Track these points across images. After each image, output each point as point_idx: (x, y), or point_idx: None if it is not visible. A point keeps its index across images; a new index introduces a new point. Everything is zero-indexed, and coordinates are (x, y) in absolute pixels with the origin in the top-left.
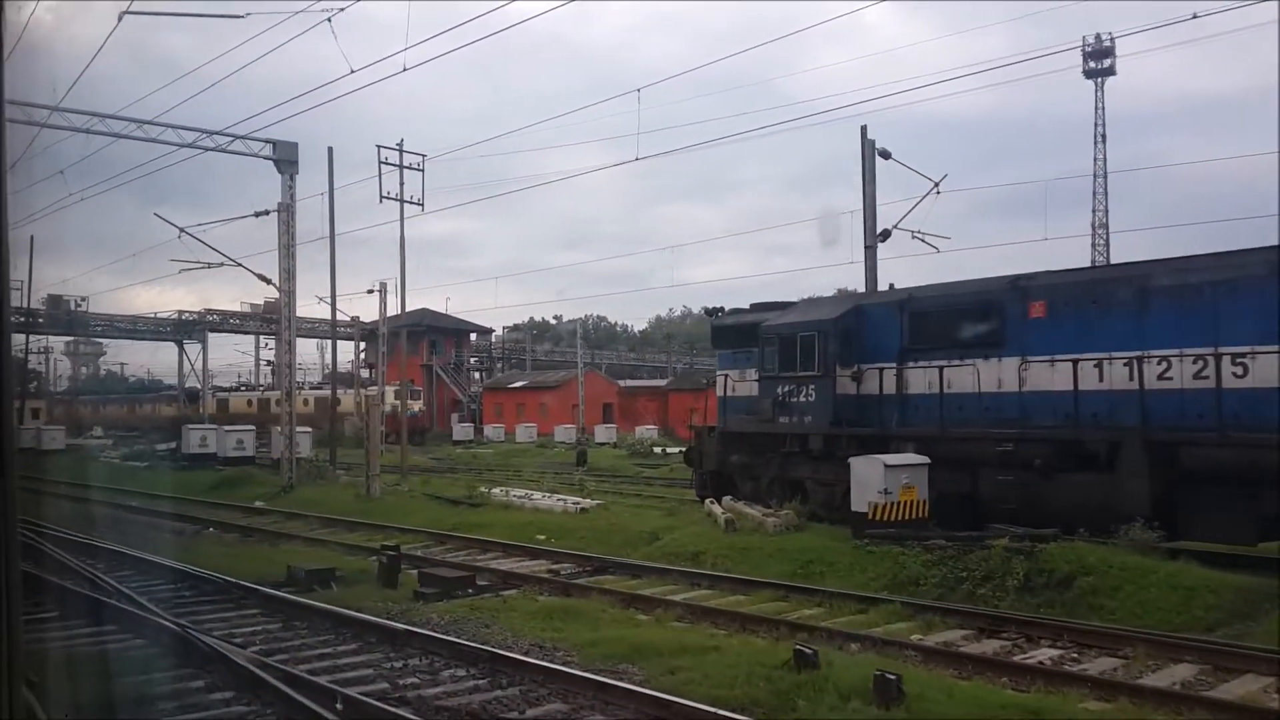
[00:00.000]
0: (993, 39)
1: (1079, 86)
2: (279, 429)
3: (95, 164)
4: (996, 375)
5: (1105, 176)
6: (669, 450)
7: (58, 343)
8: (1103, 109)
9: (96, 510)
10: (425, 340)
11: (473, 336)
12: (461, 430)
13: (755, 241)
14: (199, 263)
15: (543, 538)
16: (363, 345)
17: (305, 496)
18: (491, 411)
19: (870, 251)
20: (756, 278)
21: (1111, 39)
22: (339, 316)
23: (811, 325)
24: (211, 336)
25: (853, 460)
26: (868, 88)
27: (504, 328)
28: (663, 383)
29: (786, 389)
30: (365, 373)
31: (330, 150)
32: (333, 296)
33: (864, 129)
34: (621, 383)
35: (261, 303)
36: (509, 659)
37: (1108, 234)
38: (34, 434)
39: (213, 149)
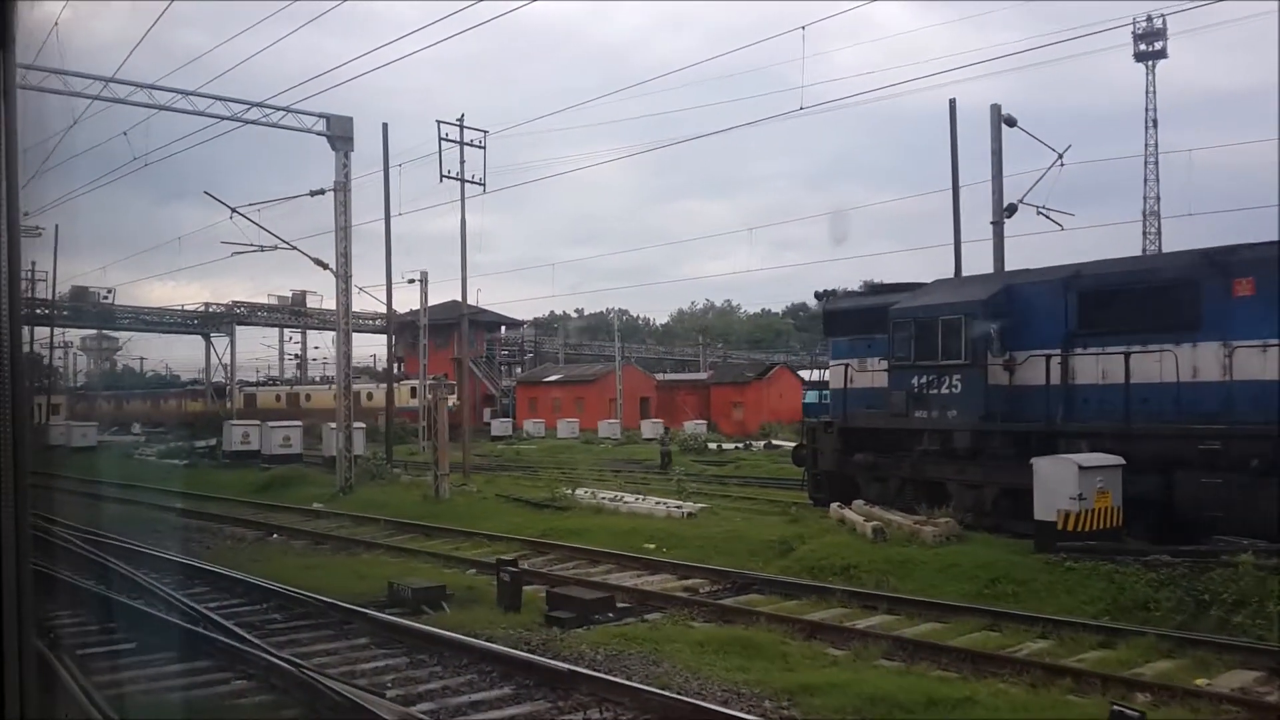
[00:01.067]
0: (1003, 33)
1: (1088, 78)
2: (332, 425)
3: (117, 146)
4: (1191, 363)
5: (1157, 163)
6: (724, 446)
7: (74, 336)
8: (1153, 92)
9: (142, 513)
10: (455, 332)
11: (502, 329)
12: (500, 426)
13: (768, 236)
14: (252, 245)
15: (652, 547)
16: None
17: (366, 498)
18: (525, 406)
19: (997, 228)
20: (767, 271)
21: (1163, 19)
22: (371, 308)
23: (956, 307)
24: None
25: (1037, 461)
26: (878, 72)
27: (525, 322)
28: (703, 376)
29: (924, 380)
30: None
31: (385, 126)
32: (388, 283)
33: (953, 102)
34: (659, 376)
35: (289, 294)
36: (722, 716)
37: (1159, 221)
38: (64, 431)
39: (261, 123)
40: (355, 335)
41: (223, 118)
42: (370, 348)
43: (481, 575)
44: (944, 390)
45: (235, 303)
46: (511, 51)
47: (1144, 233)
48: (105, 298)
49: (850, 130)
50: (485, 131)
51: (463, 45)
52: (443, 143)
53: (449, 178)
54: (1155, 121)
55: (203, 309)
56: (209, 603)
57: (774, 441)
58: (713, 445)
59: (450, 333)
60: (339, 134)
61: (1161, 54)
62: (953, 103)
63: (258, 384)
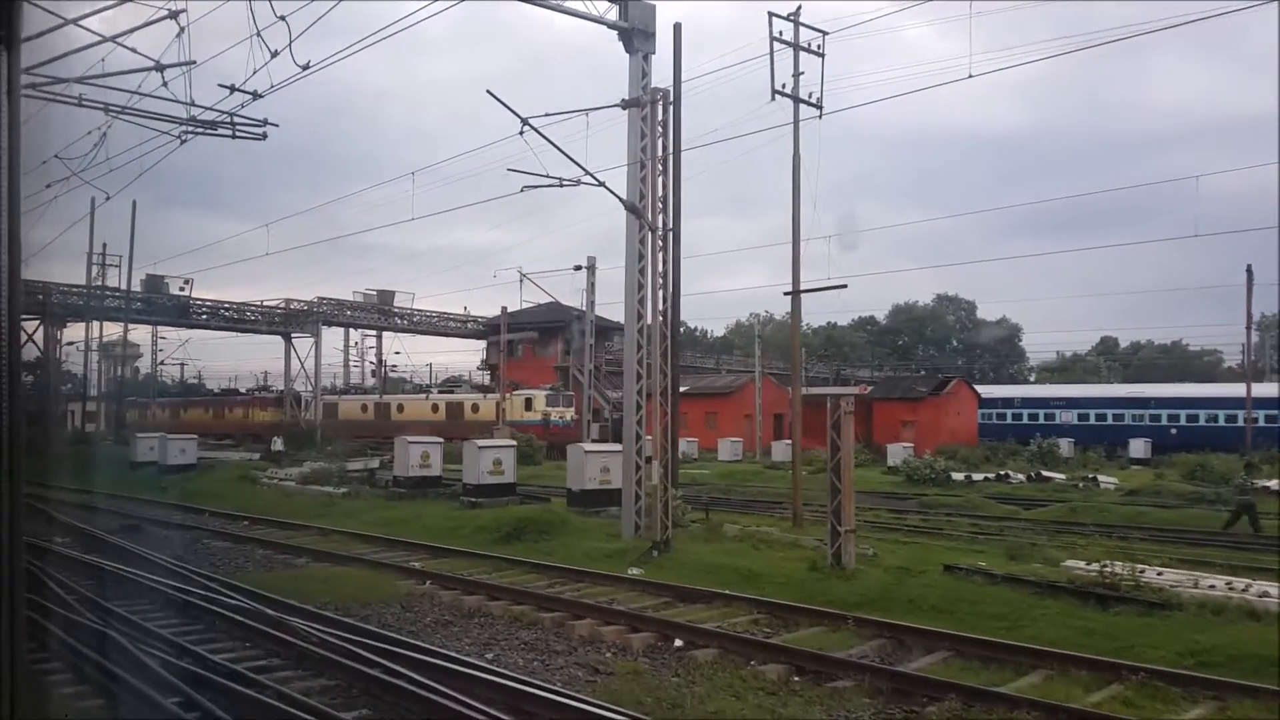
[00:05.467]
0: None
1: (1113, 100)
2: (593, 449)
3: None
4: None
5: None
6: (973, 476)
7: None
8: None
9: (377, 581)
10: (560, 338)
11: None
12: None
13: (777, 255)
14: (550, 178)
15: None
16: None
17: (703, 561)
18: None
19: None
20: (775, 287)
21: None
22: (504, 306)
23: None
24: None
25: None
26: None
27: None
28: (855, 390)
29: None
30: (485, 377)
31: (677, 27)
32: (676, 253)
33: None
34: (804, 390)
35: (375, 292)
36: None
37: None
38: (153, 445)
39: (539, 3)
40: (442, 340)
41: None
42: (441, 354)
43: None
44: None
45: (320, 299)
46: (530, 63)
47: None
48: (182, 289)
49: (869, 152)
50: (825, 32)
51: (485, 60)
52: (774, 43)
53: (781, 93)
54: None
55: (283, 306)
56: None
57: (1007, 473)
58: (959, 475)
59: (553, 337)
60: (638, 27)
61: None
62: None
63: (339, 391)
